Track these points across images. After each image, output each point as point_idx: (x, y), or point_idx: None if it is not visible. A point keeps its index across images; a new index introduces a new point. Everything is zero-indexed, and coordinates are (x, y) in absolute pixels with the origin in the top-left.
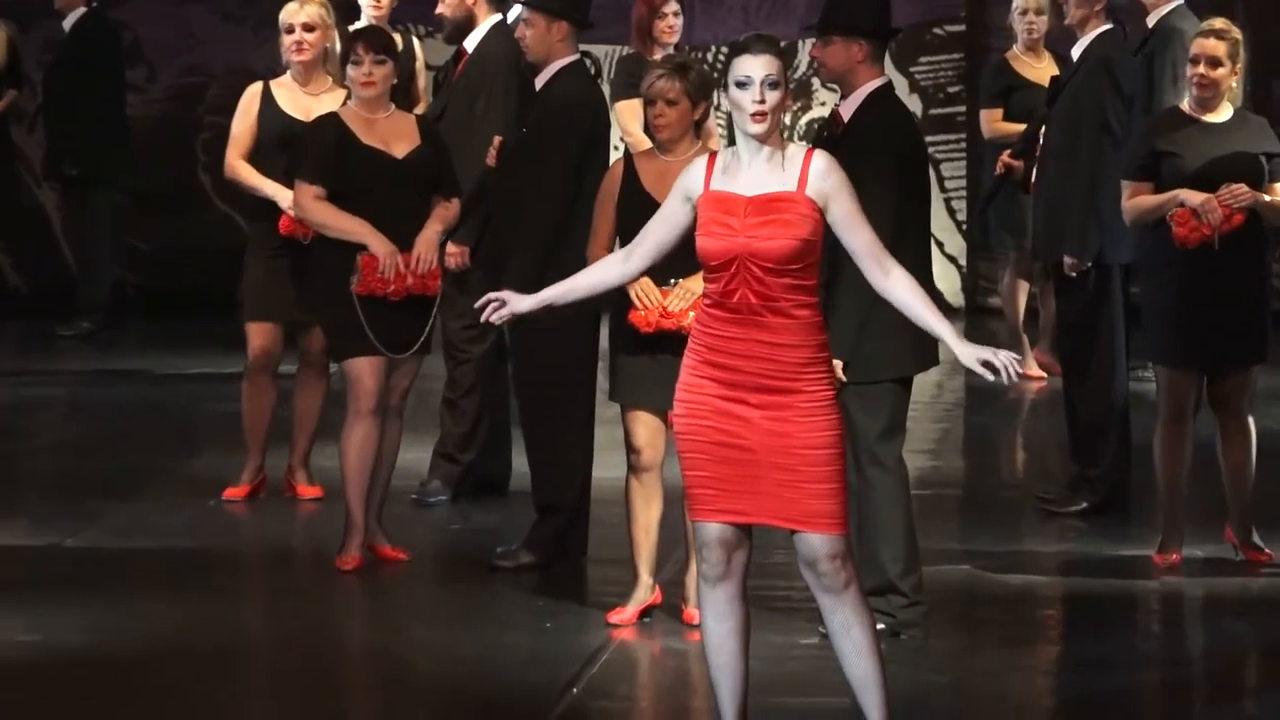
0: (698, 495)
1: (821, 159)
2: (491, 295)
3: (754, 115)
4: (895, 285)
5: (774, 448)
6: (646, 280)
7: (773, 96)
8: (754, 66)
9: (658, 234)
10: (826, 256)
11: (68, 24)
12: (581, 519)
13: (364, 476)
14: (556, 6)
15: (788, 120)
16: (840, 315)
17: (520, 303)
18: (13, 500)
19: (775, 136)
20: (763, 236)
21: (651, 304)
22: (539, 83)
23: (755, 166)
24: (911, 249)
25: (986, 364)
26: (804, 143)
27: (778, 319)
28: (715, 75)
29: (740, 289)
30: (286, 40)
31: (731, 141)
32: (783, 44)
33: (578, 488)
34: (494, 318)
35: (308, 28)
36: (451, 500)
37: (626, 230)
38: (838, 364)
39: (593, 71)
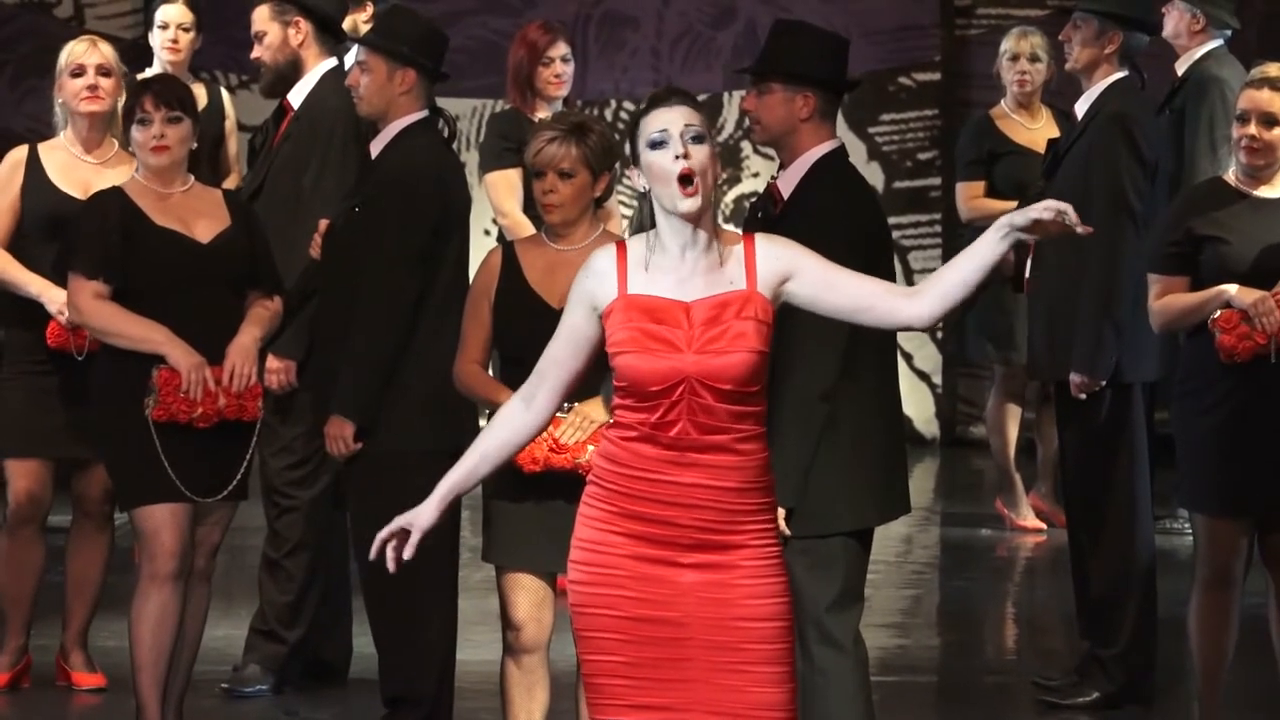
0: (605, 688)
1: (765, 240)
2: (390, 531)
3: (681, 180)
4: (919, 297)
5: (711, 621)
6: (588, 412)
7: (699, 152)
8: (669, 118)
9: (565, 363)
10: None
11: None
12: (443, 714)
13: (161, 659)
14: (403, 49)
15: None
16: (784, 449)
17: (424, 517)
18: None
19: (708, 217)
20: (715, 352)
21: (580, 438)
22: (376, 147)
23: (689, 259)
24: (870, 368)
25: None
26: (734, 227)
27: (722, 456)
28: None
29: (681, 420)
30: (73, 85)
31: (642, 227)
32: (702, 97)
33: (437, 674)
34: (403, 554)
35: (103, 70)
36: (274, 690)
37: (508, 341)
38: (780, 513)
39: (446, 133)
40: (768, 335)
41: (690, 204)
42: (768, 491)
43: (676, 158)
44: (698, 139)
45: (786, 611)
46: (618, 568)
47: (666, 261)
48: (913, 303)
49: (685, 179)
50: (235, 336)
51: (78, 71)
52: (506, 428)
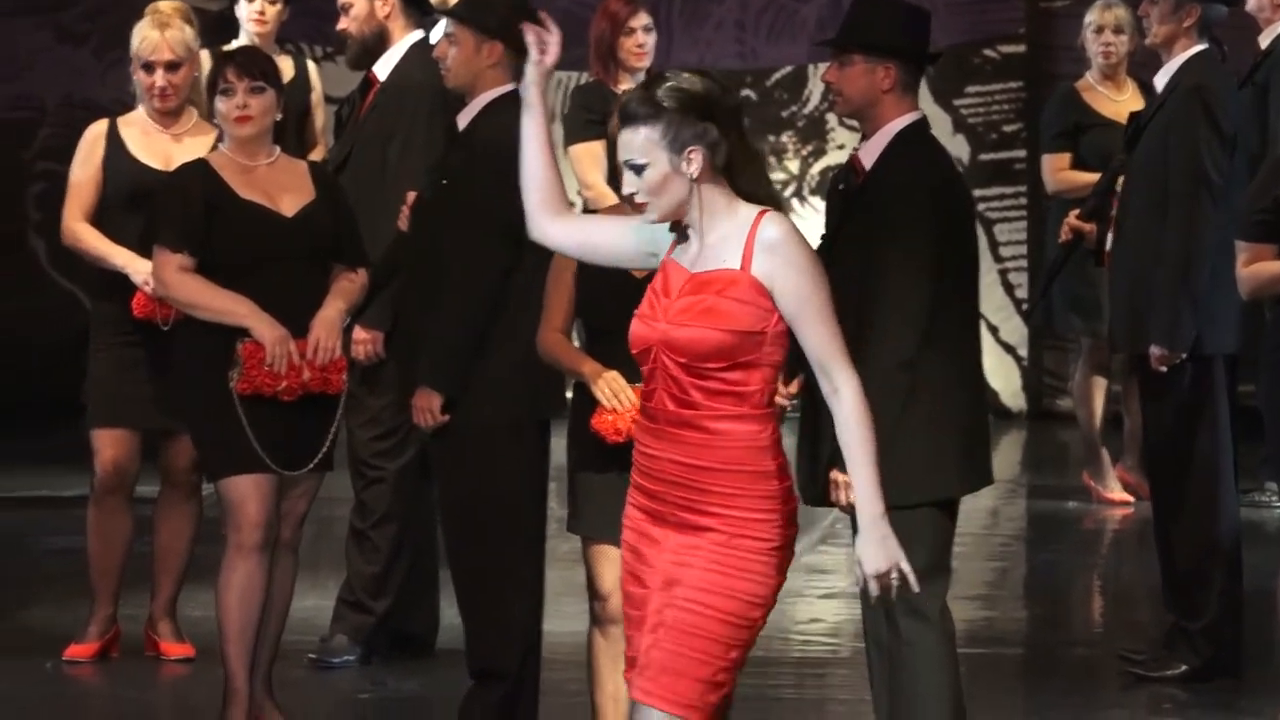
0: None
1: (771, 226)
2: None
3: (631, 203)
4: (838, 408)
5: (662, 599)
6: (616, 376)
7: (639, 182)
8: (621, 145)
9: (598, 233)
10: (793, 354)
11: None
12: (529, 686)
13: (249, 630)
14: (491, 23)
15: (795, 169)
16: None
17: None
18: None
19: (697, 203)
20: (678, 324)
21: (622, 405)
22: (463, 120)
23: (698, 237)
24: (952, 337)
25: (872, 576)
26: (817, 200)
27: (691, 432)
28: None
29: (658, 390)
30: (144, 79)
31: None
32: (786, 69)
33: (524, 646)
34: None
35: (172, 66)
36: (361, 661)
37: (591, 310)
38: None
39: None
40: (754, 318)
41: (650, 216)
42: (756, 481)
43: (627, 190)
44: (636, 169)
45: (732, 613)
46: (626, 537)
47: (693, 233)
48: (831, 401)
49: (633, 202)
50: (320, 310)
51: (147, 67)
52: (554, 199)
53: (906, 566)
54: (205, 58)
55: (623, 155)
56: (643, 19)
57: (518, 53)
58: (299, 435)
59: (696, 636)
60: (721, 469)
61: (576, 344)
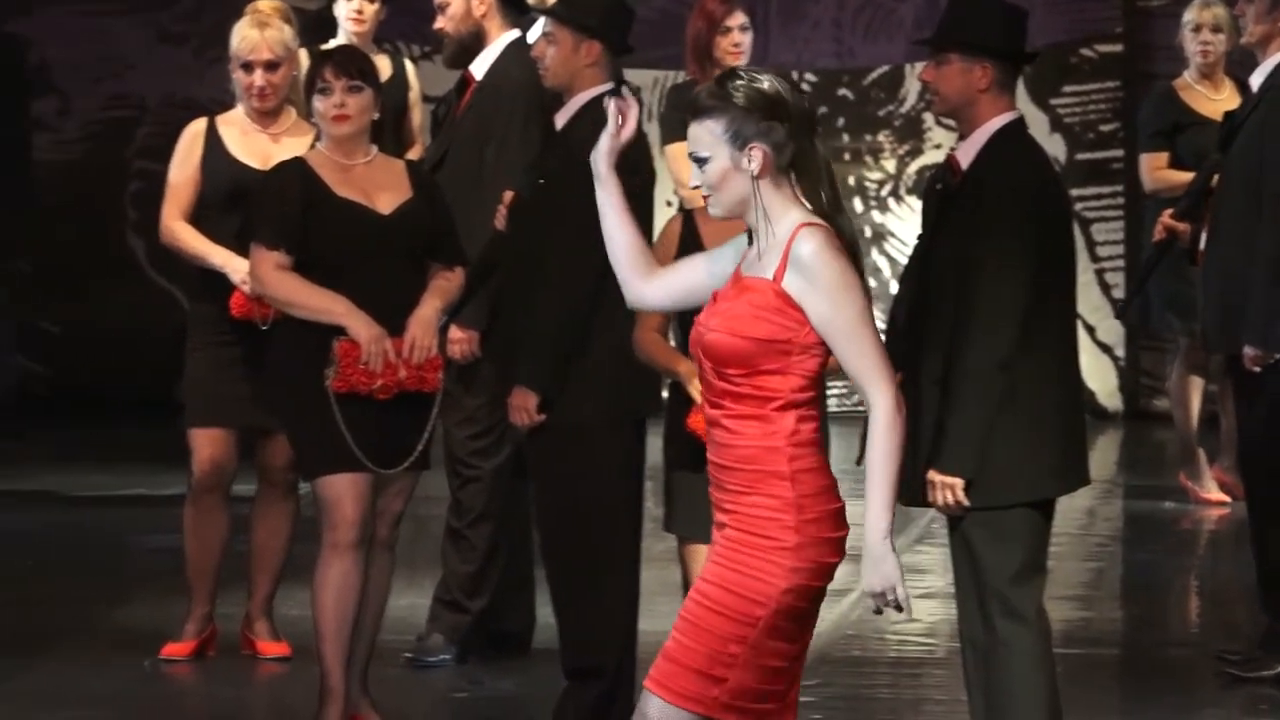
0: None
1: (803, 243)
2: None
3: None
4: (870, 423)
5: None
6: None
7: (703, 176)
8: (689, 137)
9: (686, 278)
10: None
11: None
12: (625, 686)
13: (344, 628)
14: (589, 21)
15: (892, 168)
16: (961, 418)
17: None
18: None
19: (751, 212)
20: (710, 328)
21: None
22: (560, 120)
23: (763, 237)
24: (1050, 338)
25: (868, 594)
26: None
27: (719, 431)
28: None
29: (706, 390)
30: (243, 79)
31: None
32: (883, 69)
33: (619, 645)
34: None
35: (271, 65)
36: (457, 660)
37: (687, 309)
38: (958, 484)
39: None
40: (776, 328)
41: (713, 210)
42: (758, 477)
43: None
44: (700, 162)
45: (730, 603)
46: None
47: (755, 237)
48: (869, 420)
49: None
50: (416, 308)
51: (246, 67)
52: (642, 264)
53: (902, 591)
54: (304, 57)
55: (690, 147)
56: (739, 18)
57: (615, 51)
58: (395, 434)
59: (698, 629)
60: (735, 466)
61: (672, 343)
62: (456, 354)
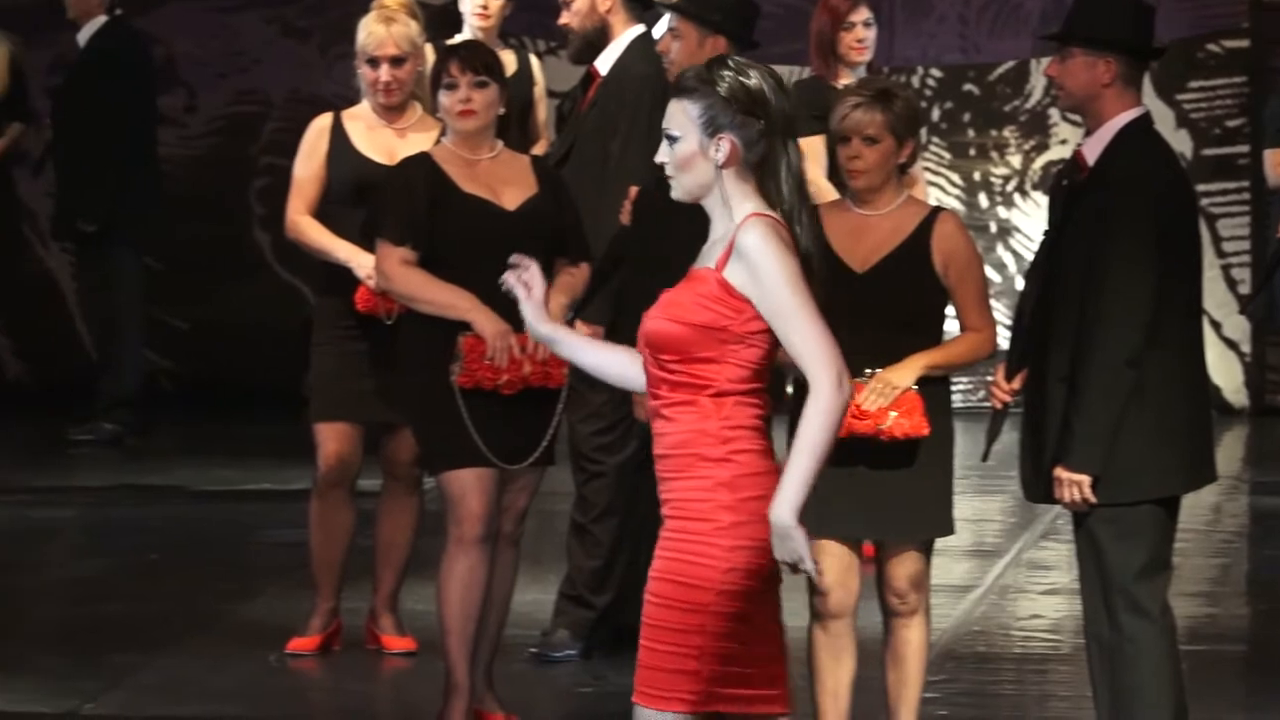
0: None
1: (749, 231)
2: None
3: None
4: (806, 405)
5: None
6: None
7: (670, 153)
8: (665, 114)
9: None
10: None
11: (83, 37)
12: None
13: (469, 624)
14: (714, 17)
15: (1018, 164)
16: (1088, 415)
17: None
18: (15, 654)
19: (709, 199)
20: (651, 316)
21: None
22: None
23: (717, 228)
24: (1176, 334)
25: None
26: (1040, 194)
27: (659, 422)
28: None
29: (647, 383)
30: (369, 74)
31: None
32: (1008, 64)
33: None
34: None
35: (396, 61)
36: (582, 656)
37: None
38: (1084, 480)
39: None
40: (714, 315)
41: (674, 192)
42: (691, 461)
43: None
44: (670, 139)
45: (679, 594)
46: None
47: (713, 227)
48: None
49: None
50: None
51: (372, 62)
52: (637, 370)
53: (810, 564)
54: (429, 52)
55: (664, 122)
56: (863, 13)
57: (740, 46)
58: (520, 429)
59: (658, 628)
60: (670, 453)
61: None
62: None
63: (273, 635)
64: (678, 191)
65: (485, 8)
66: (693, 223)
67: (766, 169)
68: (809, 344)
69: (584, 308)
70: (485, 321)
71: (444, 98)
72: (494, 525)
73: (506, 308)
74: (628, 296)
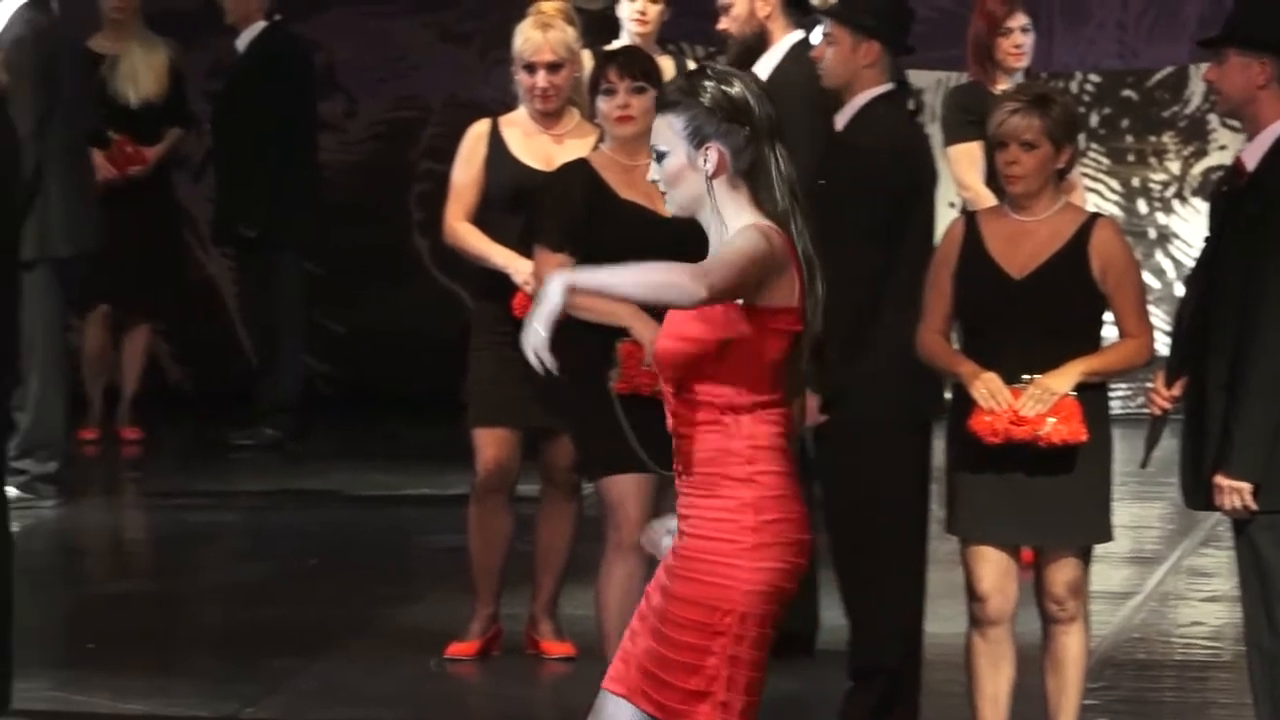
0: None
1: (734, 239)
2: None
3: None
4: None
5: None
6: (993, 377)
7: (659, 170)
8: (652, 130)
9: None
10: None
11: (242, 43)
12: (910, 686)
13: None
14: (868, 22)
15: (1176, 170)
16: (1249, 423)
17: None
18: (175, 657)
19: (703, 213)
20: (660, 336)
21: (999, 406)
22: (840, 120)
23: (715, 240)
24: None
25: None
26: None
27: (681, 442)
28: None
29: (666, 404)
30: (525, 80)
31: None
32: (1166, 70)
33: (904, 646)
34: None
35: (553, 67)
36: None
37: (969, 311)
38: (1245, 488)
39: (912, 106)
40: (709, 327)
41: (668, 207)
42: (713, 481)
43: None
44: (658, 156)
45: (687, 614)
46: None
47: (710, 239)
48: None
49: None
50: None
51: (529, 68)
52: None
53: (548, 358)
54: (587, 58)
55: (651, 139)
56: (1020, 19)
57: (895, 51)
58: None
59: (670, 641)
60: (693, 472)
61: (955, 345)
62: None
63: (432, 640)
64: (672, 207)
65: (643, 13)
66: (845, 227)
67: (757, 176)
68: (721, 263)
69: None
70: (644, 328)
71: (602, 103)
72: None
73: (665, 314)
74: None
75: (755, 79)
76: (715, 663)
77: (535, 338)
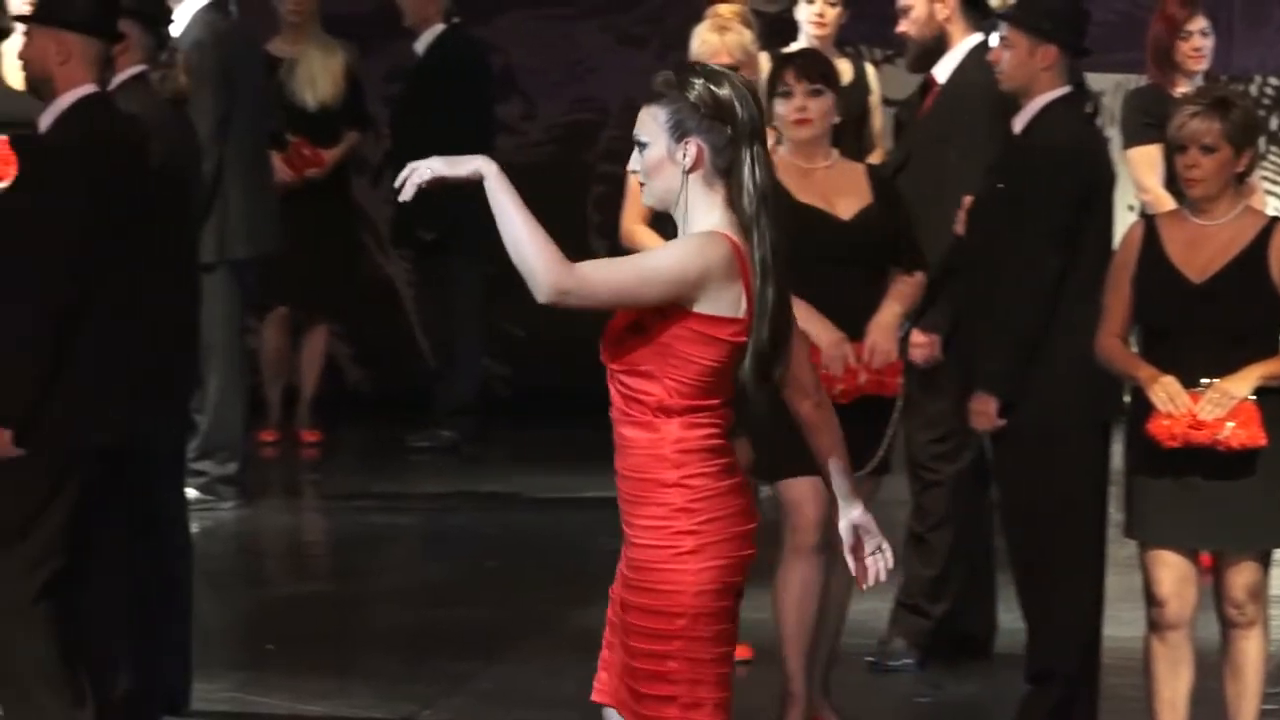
0: None
1: (662, 249)
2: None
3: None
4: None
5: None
6: (1172, 380)
7: (643, 160)
8: (637, 121)
9: None
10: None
11: (421, 46)
12: (1088, 690)
13: (805, 632)
14: (1045, 25)
15: None
16: None
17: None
18: (354, 659)
19: (677, 210)
20: (610, 324)
21: (1178, 410)
22: (1018, 123)
23: (681, 235)
24: None
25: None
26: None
27: (618, 439)
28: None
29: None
30: None
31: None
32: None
33: (1082, 650)
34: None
35: (730, 69)
36: (919, 665)
37: (1148, 314)
38: None
39: (1090, 109)
40: (650, 323)
41: (645, 198)
42: (648, 486)
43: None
44: (640, 146)
45: (642, 622)
46: None
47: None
48: None
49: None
50: (876, 313)
51: None
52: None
53: (423, 173)
54: (764, 60)
55: (635, 130)
56: (1200, 22)
57: (1072, 54)
58: (854, 438)
59: (635, 653)
60: (628, 475)
61: (1134, 348)
62: (918, 358)
63: None
64: (649, 198)
65: (821, 16)
66: (1024, 231)
67: (733, 177)
68: (604, 265)
69: (920, 317)
70: (821, 330)
71: (779, 106)
72: (829, 534)
73: (841, 316)
74: (963, 305)
75: (746, 82)
76: (675, 666)
77: (424, 170)
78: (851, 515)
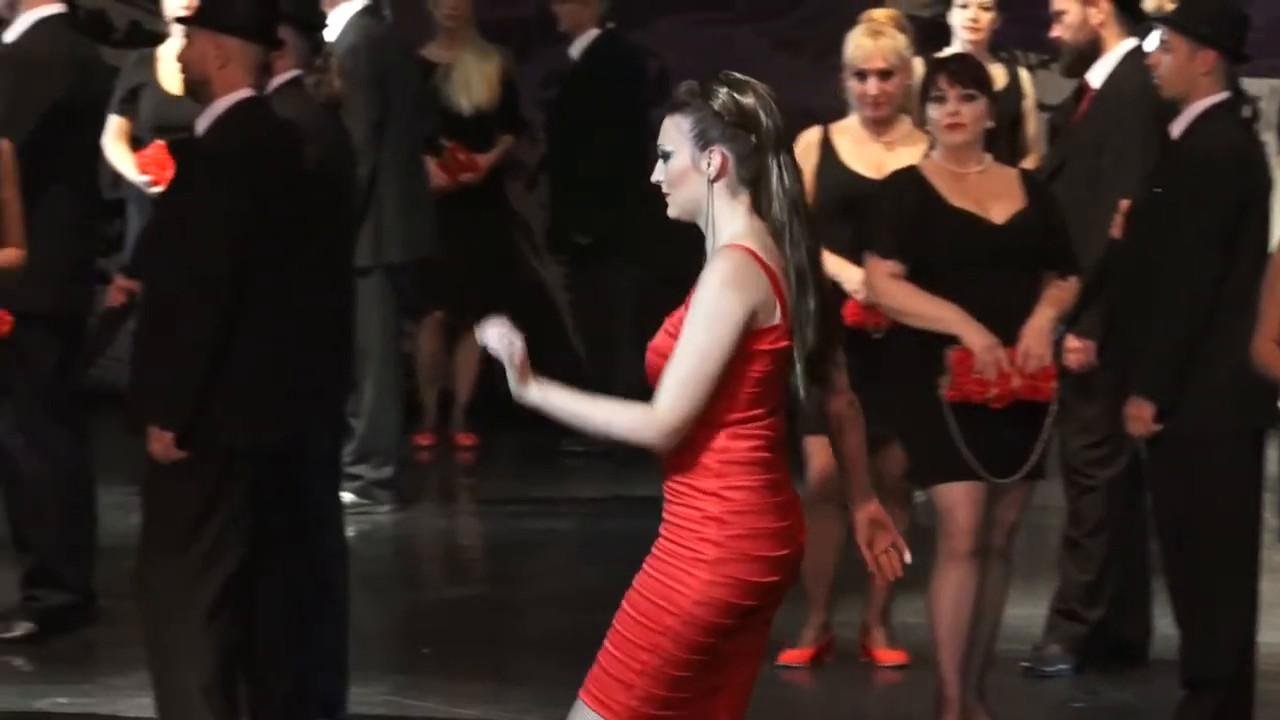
0: None
1: (715, 261)
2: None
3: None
4: (634, 405)
5: None
6: None
7: (667, 170)
8: (660, 131)
9: None
10: None
11: (576, 50)
12: (1243, 697)
13: (960, 637)
14: (1205, 30)
15: None
16: None
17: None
18: (509, 663)
19: (701, 221)
20: (649, 345)
21: None
22: (1176, 128)
23: (710, 249)
24: None
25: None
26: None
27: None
28: None
29: None
30: (856, 87)
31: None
32: None
33: (1237, 656)
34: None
35: (884, 74)
36: (1075, 670)
37: None
38: None
39: (1248, 114)
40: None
41: (670, 210)
42: (684, 490)
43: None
44: (664, 156)
45: (642, 607)
46: None
47: (708, 245)
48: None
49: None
50: (1030, 317)
51: (859, 75)
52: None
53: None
54: (918, 65)
55: (658, 141)
56: None
57: (1231, 60)
58: (1009, 443)
59: (618, 634)
60: (670, 475)
61: None
62: (1073, 363)
63: (769, 647)
64: (673, 209)
65: (975, 21)
66: (1181, 236)
67: (759, 186)
68: (674, 375)
69: (1074, 322)
70: (974, 335)
71: (932, 111)
72: (984, 539)
73: (994, 321)
74: (1119, 310)
75: (769, 92)
76: (647, 658)
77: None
78: (868, 511)
